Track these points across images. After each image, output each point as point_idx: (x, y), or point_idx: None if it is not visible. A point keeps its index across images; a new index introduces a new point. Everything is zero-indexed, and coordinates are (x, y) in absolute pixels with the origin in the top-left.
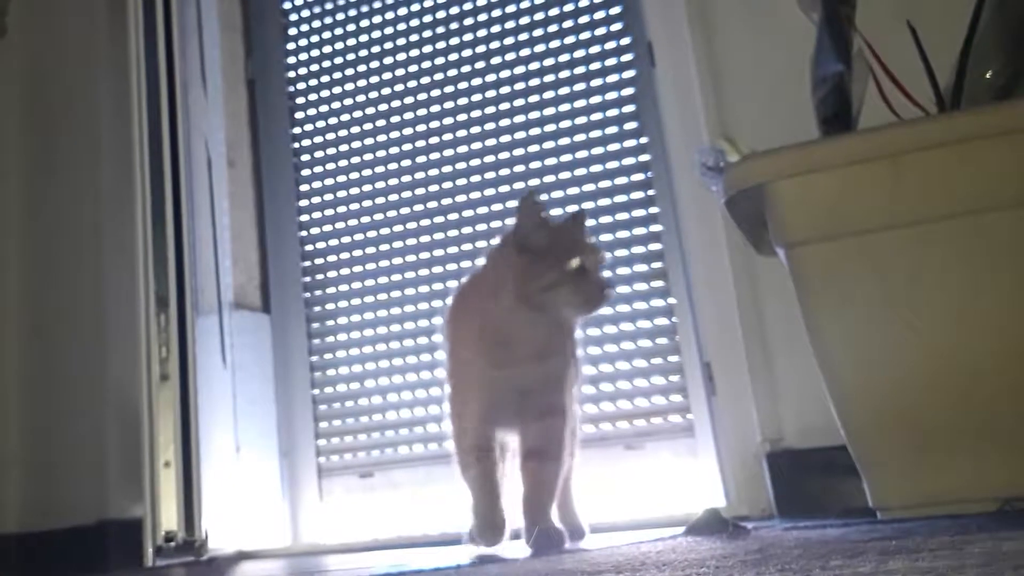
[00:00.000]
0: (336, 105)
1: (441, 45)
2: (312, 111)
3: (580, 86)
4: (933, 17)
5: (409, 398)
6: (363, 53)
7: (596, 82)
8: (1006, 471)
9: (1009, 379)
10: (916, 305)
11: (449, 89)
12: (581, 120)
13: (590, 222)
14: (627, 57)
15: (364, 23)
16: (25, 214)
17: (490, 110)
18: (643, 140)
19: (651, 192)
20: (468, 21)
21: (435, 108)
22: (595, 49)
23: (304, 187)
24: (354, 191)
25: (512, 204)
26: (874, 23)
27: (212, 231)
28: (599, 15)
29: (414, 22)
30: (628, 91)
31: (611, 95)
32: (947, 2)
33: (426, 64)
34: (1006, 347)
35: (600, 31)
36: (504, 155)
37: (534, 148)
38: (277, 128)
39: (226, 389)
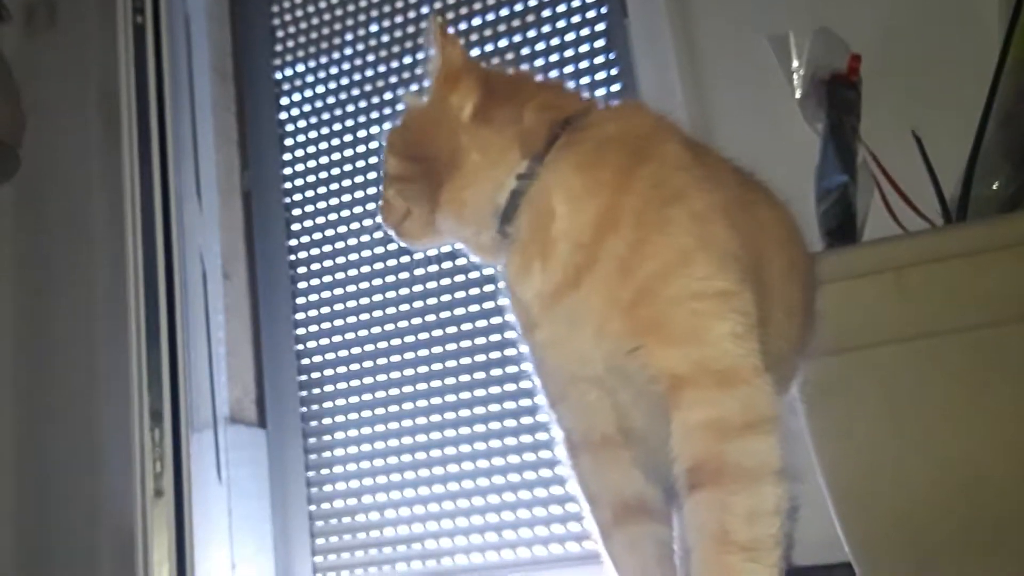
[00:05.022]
0: (333, 217)
1: None
2: (308, 223)
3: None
4: (939, 128)
5: (407, 514)
6: (360, 164)
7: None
8: None
9: (1016, 494)
10: (922, 419)
11: None
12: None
13: None
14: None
15: (361, 134)
16: (18, 329)
17: None
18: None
19: None
20: None
21: None
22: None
23: (301, 300)
24: (351, 304)
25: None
26: (879, 133)
27: (207, 345)
28: None
29: None
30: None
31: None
32: (953, 113)
33: None
34: (1013, 462)
35: None
36: None
37: None
38: (273, 240)
39: (221, 505)
